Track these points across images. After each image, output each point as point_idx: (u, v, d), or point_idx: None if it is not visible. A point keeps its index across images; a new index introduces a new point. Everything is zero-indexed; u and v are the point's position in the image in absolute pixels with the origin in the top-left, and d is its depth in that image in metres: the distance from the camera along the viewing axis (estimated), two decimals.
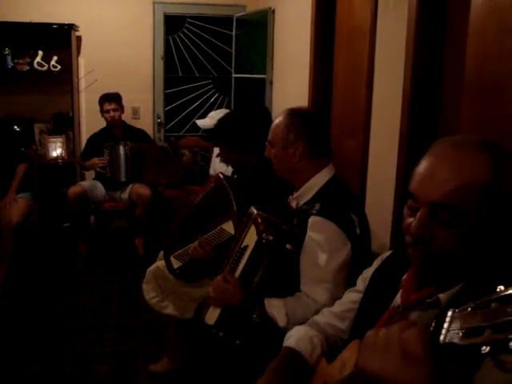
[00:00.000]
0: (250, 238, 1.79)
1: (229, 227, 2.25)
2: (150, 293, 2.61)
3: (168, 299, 2.58)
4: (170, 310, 2.57)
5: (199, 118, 5.56)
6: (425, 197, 1.02)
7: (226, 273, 1.85)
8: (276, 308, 1.73)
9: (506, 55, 1.62)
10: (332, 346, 1.47)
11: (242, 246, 1.83)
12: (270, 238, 1.72)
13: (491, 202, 0.98)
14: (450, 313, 0.75)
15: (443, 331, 0.74)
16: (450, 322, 0.74)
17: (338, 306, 1.53)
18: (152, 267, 2.65)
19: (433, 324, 0.77)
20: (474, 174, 0.98)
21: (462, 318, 0.72)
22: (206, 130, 2.64)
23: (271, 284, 1.78)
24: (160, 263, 2.65)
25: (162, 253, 2.74)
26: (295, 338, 1.47)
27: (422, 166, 1.05)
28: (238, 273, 1.82)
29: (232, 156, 2.57)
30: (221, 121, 2.64)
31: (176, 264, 2.50)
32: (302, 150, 1.90)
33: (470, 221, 0.98)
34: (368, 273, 1.43)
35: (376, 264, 1.40)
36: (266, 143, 2.04)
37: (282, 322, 1.71)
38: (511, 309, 0.64)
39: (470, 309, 0.72)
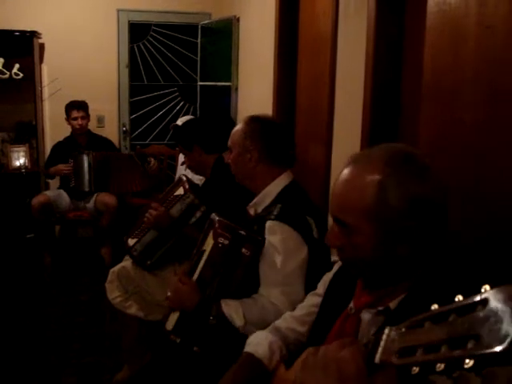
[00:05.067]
0: (208, 242, 1.81)
1: (179, 191, 2.47)
2: (113, 292, 2.59)
3: (132, 299, 2.58)
4: (133, 310, 2.57)
5: (165, 125, 5.55)
6: (330, 210, 1.14)
7: (183, 275, 1.85)
8: (233, 308, 1.73)
9: (459, 63, 1.67)
10: (293, 351, 1.48)
11: (201, 250, 1.85)
12: (226, 242, 1.74)
13: (378, 218, 1.05)
14: (386, 331, 0.75)
15: (379, 349, 0.75)
16: (387, 341, 0.74)
17: (299, 310, 1.54)
18: (115, 268, 2.65)
19: (371, 342, 0.78)
20: (357, 194, 1.07)
21: (398, 337, 0.72)
22: (179, 135, 2.81)
23: (228, 288, 1.78)
24: (124, 263, 2.65)
25: (126, 256, 2.74)
26: (254, 343, 1.47)
27: (335, 180, 1.16)
28: (195, 276, 1.83)
29: (188, 156, 2.72)
30: (192, 124, 2.83)
31: (132, 242, 2.57)
32: (257, 156, 1.94)
33: (361, 233, 1.07)
34: (328, 277, 1.45)
35: (335, 268, 1.43)
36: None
37: (239, 321, 1.71)
38: (441, 329, 0.65)
39: (404, 328, 0.72)
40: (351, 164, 1.13)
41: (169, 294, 1.89)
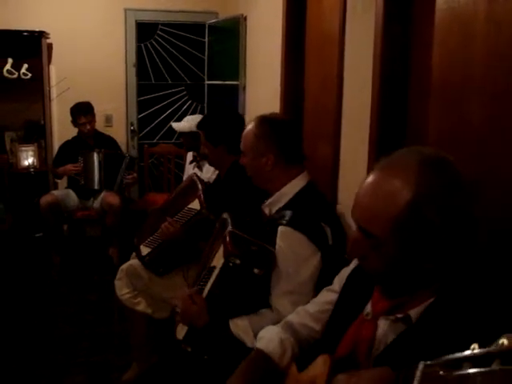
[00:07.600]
0: (219, 258, 1.75)
1: (195, 205, 2.40)
2: (122, 289, 2.61)
3: (140, 296, 2.59)
4: (142, 306, 2.59)
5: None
6: (354, 218, 1.08)
7: (194, 293, 1.81)
8: (241, 328, 1.70)
9: (469, 62, 1.66)
10: (305, 347, 1.46)
11: (211, 266, 1.80)
12: (237, 262, 1.66)
13: (408, 229, 0.99)
14: (420, 367, 0.70)
15: None
16: (421, 379, 0.69)
17: (313, 306, 1.51)
18: (124, 265, 2.66)
19: (402, 375, 0.75)
20: (386, 204, 1.01)
21: (434, 380, 0.68)
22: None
23: (238, 305, 1.75)
24: (133, 261, 2.65)
25: (134, 254, 2.74)
26: (266, 339, 1.45)
27: (361, 185, 1.08)
28: (205, 293, 1.80)
29: (210, 149, 2.63)
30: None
31: (145, 251, 2.56)
32: (273, 159, 1.91)
33: (388, 244, 1.01)
34: (345, 272, 1.41)
35: (353, 265, 1.38)
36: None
37: (249, 342, 1.66)
38: (481, 377, 0.61)
39: (441, 372, 0.67)
40: (379, 171, 1.06)
41: (178, 310, 1.85)
